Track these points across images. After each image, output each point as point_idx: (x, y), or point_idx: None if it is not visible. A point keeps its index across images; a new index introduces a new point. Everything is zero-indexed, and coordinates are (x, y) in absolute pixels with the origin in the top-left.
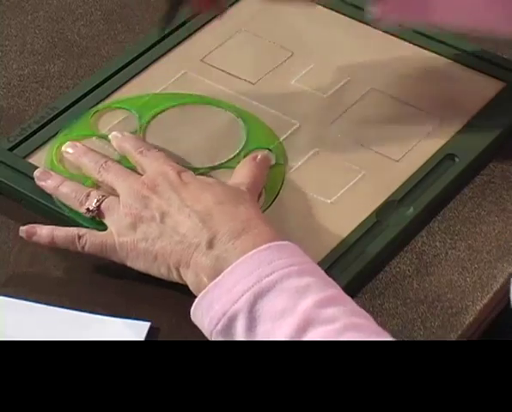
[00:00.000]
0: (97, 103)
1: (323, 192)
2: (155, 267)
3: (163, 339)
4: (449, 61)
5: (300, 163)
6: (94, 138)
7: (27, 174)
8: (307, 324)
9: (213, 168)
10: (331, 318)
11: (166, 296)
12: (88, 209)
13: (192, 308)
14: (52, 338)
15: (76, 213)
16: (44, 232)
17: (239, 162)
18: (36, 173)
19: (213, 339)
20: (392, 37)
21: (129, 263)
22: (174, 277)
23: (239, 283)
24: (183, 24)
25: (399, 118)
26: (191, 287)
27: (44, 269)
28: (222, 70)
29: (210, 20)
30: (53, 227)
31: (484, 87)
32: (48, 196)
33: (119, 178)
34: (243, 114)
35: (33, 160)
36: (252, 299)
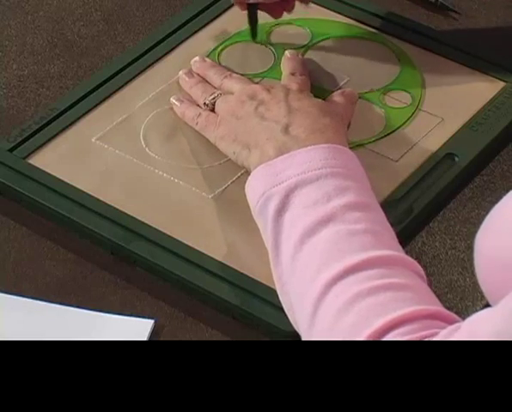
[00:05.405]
0: (97, 103)
1: None
2: (231, 146)
3: (167, 336)
4: (449, 61)
5: None
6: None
7: (27, 175)
8: (328, 220)
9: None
10: (353, 220)
11: (170, 293)
12: (204, 103)
13: (246, 184)
14: (55, 336)
15: None
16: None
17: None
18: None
19: (255, 218)
20: (391, 37)
21: (217, 143)
22: (243, 156)
23: (286, 170)
24: (184, 25)
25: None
26: (250, 169)
27: (44, 269)
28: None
29: (211, 20)
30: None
31: (484, 87)
32: (48, 196)
33: (240, 82)
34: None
35: (32, 160)
36: (292, 186)
